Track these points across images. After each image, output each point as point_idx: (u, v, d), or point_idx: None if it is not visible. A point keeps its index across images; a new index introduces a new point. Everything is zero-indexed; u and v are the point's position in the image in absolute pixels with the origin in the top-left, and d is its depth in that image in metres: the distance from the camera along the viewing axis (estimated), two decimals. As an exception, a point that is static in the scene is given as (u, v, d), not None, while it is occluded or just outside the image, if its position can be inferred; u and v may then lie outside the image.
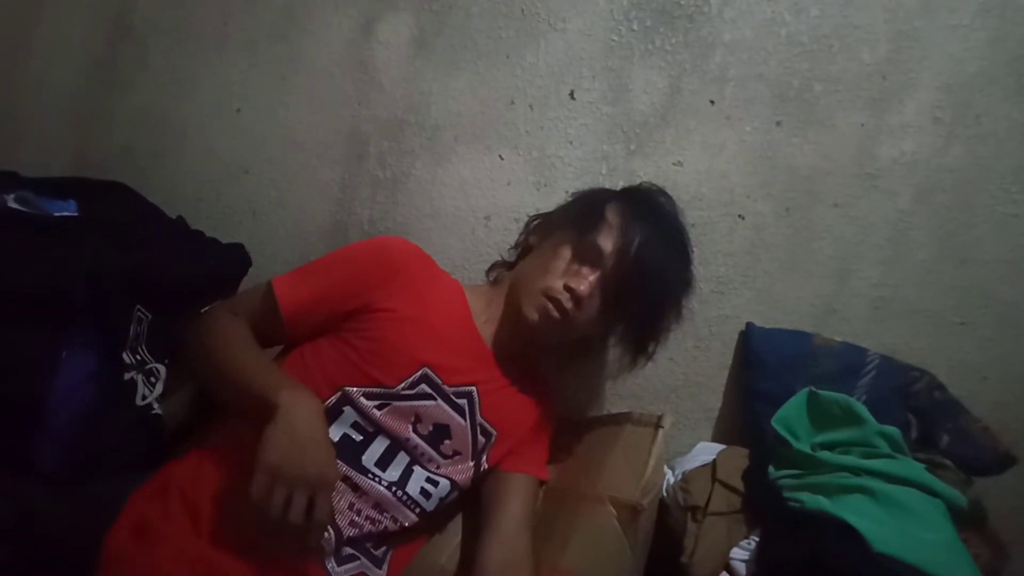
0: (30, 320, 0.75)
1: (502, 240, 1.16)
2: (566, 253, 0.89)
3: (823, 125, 1.07)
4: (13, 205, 0.91)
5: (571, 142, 1.13)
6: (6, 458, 0.74)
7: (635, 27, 1.10)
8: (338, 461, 0.80)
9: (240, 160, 1.24)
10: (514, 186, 1.16)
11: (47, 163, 1.25)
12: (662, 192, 1.00)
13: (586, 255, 0.88)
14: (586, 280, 0.86)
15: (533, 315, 0.87)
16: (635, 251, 0.86)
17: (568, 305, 0.86)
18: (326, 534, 0.78)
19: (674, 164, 1.11)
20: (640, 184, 1.02)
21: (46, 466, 0.75)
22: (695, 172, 1.11)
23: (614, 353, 1.05)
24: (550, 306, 0.86)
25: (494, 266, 1.08)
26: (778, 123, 1.08)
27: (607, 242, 0.88)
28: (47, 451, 0.76)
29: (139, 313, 0.85)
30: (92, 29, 1.27)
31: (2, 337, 0.74)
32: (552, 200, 1.14)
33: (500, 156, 1.16)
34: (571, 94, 1.13)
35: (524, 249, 1.03)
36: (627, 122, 1.12)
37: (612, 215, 0.90)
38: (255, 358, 0.83)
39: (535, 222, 1.04)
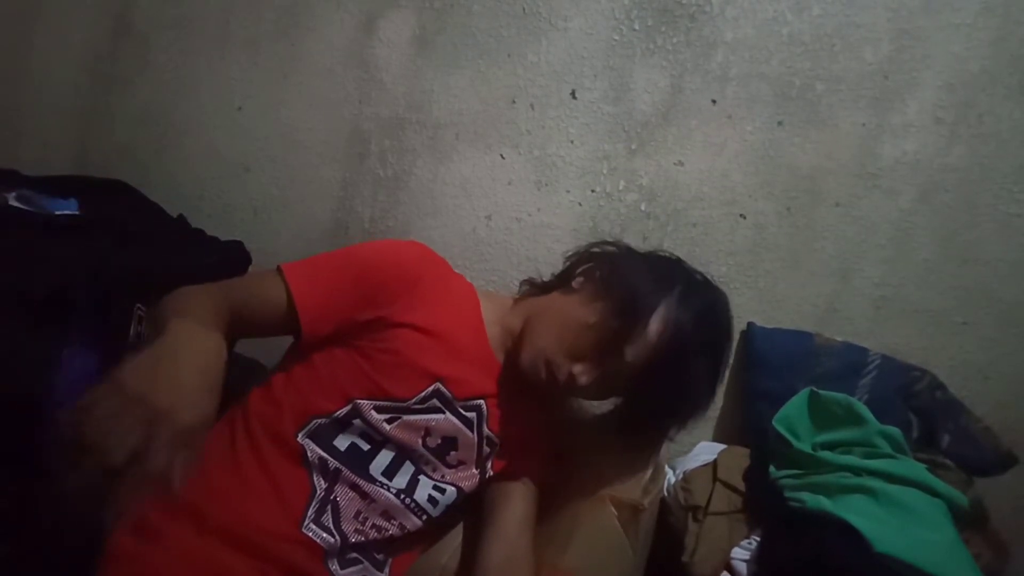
0: (31, 319, 0.75)
1: (503, 239, 1.16)
2: (589, 334, 0.80)
3: (825, 124, 1.07)
4: (14, 203, 0.91)
5: (572, 141, 1.13)
6: (7, 457, 0.74)
7: (637, 26, 1.10)
8: (346, 469, 0.79)
9: (241, 158, 1.24)
10: (515, 185, 1.16)
11: (48, 161, 1.25)
12: (728, 318, 0.86)
13: (604, 350, 0.80)
14: (589, 375, 0.81)
15: (526, 364, 0.84)
16: (656, 375, 0.80)
17: (560, 382, 0.82)
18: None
19: (675, 163, 1.11)
20: (717, 295, 0.87)
21: (47, 465, 0.75)
22: (696, 171, 1.10)
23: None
24: (543, 370, 0.82)
25: (528, 282, 1.00)
26: (780, 122, 1.08)
27: (634, 351, 0.79)
28: (48, 450, 0.76)
29: (139, 312, 0.85)
30: (93, 26, 1.27)
31: (3, 336, 0.74)
32: (553, 199, 1.14)
33: (501, 155, 1.16)
34: (572, 93, 1.13)
35: (563, 280, 0.92)
36: (628, 121, 1.12)
37: (656, 327, 0.79)
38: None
39: (597, 261, 0.91)
